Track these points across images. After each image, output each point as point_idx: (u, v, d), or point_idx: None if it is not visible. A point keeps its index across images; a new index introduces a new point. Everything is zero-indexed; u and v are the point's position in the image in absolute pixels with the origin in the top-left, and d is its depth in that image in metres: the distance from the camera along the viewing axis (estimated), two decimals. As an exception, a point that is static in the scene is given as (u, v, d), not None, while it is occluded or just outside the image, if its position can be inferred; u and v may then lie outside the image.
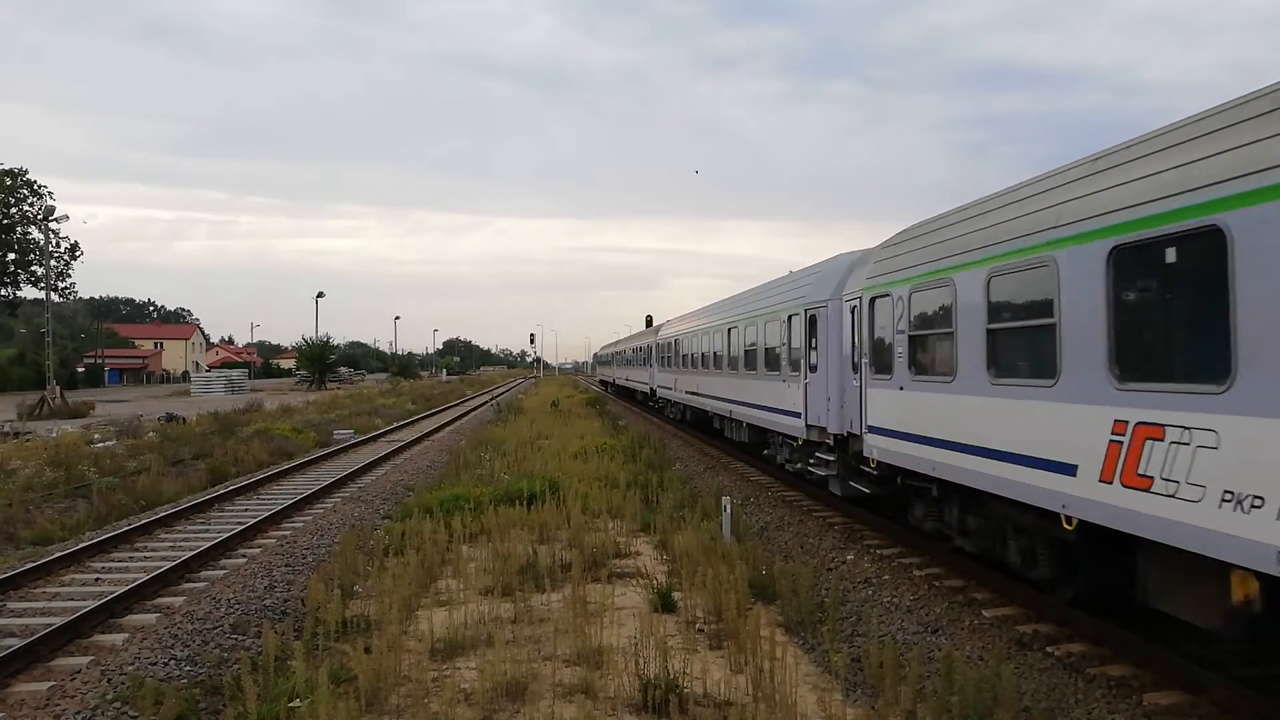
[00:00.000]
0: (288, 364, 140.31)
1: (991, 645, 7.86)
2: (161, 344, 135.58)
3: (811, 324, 14.83)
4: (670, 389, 32.77)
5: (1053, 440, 7.50)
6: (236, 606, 9.53)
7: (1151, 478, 6.23)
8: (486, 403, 52.66)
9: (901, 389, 10.89)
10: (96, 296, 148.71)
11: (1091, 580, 7.81)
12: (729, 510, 12.24)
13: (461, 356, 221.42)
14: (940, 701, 6.30)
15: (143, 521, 14.45)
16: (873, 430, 11.91)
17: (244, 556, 12.13)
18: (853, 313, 12.98)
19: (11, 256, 73.75)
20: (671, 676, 6.47)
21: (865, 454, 12.21)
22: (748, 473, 19.94)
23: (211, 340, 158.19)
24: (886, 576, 10.59)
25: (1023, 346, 8.35)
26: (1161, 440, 6.15)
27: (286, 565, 11.55)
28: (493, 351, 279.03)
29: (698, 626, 8.34)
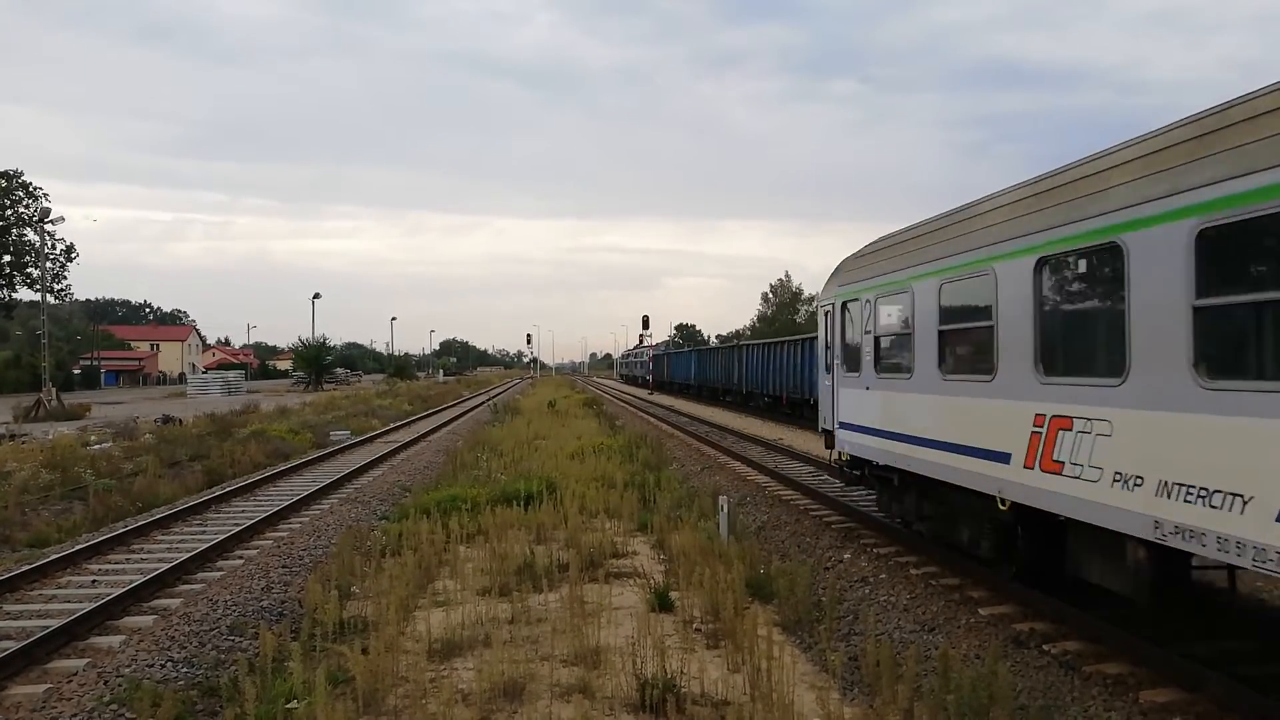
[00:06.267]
0: (284, 365, 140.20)
1: (988, 643, 7.87)
2: (158, 346, 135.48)
3: None
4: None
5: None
6: (234, 608, 9.52)
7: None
8: (483, 403, 52.64)
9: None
10: (92, 298, 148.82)
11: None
12: (726, 510, 12.23)
13: (458, 357, 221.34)
14: (937, 700, 6.32)
15: (139, 523, 14.42)
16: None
17: (241, 558, 12.12)
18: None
19: (7, 259, 73.46)
20: (669, 676, 6.48)
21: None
22: (744, 472, 19.96)
23: (208, 342, 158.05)
24: (883, 575, 10.60)
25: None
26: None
27: (283, 567, 11.54)
28: (489, 352, 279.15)
29: (695, 626, 8.35)
